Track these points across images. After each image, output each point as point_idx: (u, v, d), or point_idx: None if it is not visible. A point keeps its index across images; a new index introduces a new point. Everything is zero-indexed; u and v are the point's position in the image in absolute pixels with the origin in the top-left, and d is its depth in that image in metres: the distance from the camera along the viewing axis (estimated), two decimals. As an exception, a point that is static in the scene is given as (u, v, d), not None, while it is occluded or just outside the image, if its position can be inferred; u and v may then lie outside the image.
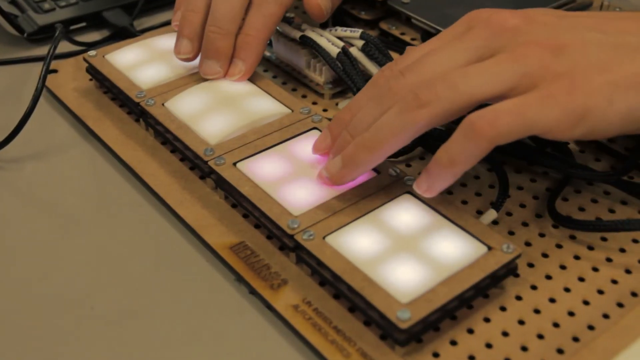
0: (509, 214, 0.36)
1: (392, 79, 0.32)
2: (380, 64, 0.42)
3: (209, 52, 0.40)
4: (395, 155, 0.38)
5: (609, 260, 0.33)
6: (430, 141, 0.39)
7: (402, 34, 0.48)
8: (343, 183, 0.33)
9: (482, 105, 0.30)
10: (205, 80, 0.40)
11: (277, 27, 0.45)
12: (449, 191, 0.37)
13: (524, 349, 0.29)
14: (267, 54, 0.46)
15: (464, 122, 0.29)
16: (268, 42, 0.41)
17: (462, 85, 0.30)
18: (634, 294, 0.32)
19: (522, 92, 0.29)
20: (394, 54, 0.46)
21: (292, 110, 0.39)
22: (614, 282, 0.32)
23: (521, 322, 0.30)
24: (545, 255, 0.33)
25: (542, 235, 0.34)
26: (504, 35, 0.31)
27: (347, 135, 0.33)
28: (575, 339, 0.30)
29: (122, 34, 0.49)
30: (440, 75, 0.31)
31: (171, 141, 0.38)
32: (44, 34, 0.49)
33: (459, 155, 0.29)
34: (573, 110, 0.29)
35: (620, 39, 0.31)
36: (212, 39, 0.40)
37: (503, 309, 0.31)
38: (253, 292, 0.32)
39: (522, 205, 0.36)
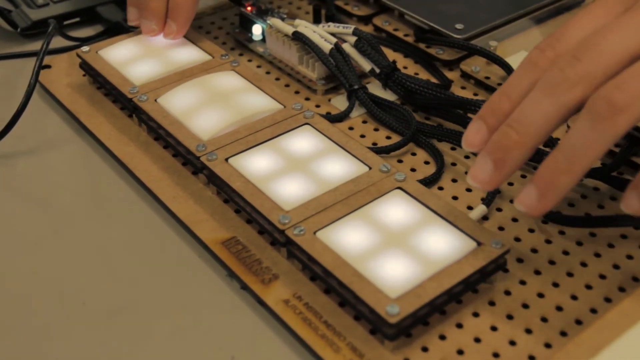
0: (499, 209, 0.36)
1: (566, 65, 0.27)
2: (373, 60, 0.42)
3: (144, 12, 0.43)
4: (387, 151, 0.39)
5: (597, 255, 0.33)
6: (421, 137, 0.39)
7: (396, 29, 0.48)
8: (544, 213, 0.28)
9: None
10: (197, 76, 0.41)
11: (269, 23, 0.45)
12: (439, 187, 0.37)
13: (512, 343, 0.30)
14: (260, 50, 0.46)
15: None
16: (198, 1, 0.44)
17: None
18: (621, 289, 0.32)
19: None
20: (386, 51, 0.47)
21: (285, 106, 0.39)
22: (602, 277, 0.32)
23: (510, 317, 0.31)
24: (534, 251, 0.34)
25: (531, 230, 0.35)
26: None
27: (511, 132, 0.28)
28: (563, 334, 0.30)
29: (116, 29, 0.49)
30: (628, 64, 0.26)
31: (164, 137, 0.39)
32: (37, 29, 0.49)
33: None
34: None
35: None
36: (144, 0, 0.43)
37: (492, 303, 0.31)
38: (244, 287, 0.32)
39: (512, 201, 0.36)
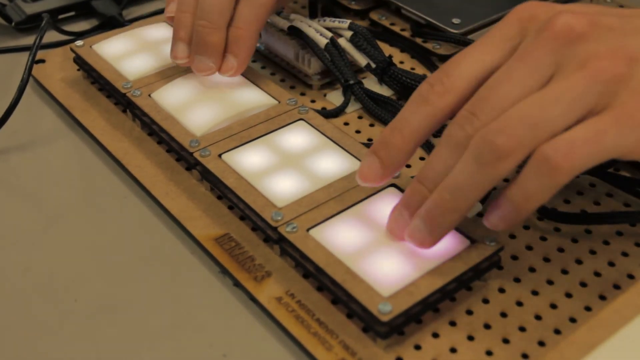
0: (494, 206, 0.35)
1: (465, 123, 0.28)
2: (369, 55, 0.42)
3: (200, 48, 0.38)
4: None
5: (592, 252, 0.33)
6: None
7: (392, 24, 0.47)
8: (432, 246, 0.30)
9: None
10: (191, 71, 0.40)
11: (266, 18, 0.44)
12: (434, 183, 0.37)
13: (506, 341, 0.30)
14: (257, 44, 0.46)
15: (536, 157, 0.26)
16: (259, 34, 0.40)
17: (542, 123, 0.27)
18: (616, 287, 0.32)
19: (599, 111, 0.27)
20: (383, 45, 0.46)
21: (279, 102, 0.39)
22: (597, 274, 0.32)
23: (503, 315, 0.31)
24: (529, 248, 0.33)
25: (526, 227, 0.34)
26: (572, 46, 0.28)
27: (421, 188, 0.29)
28: (557, 332, 0.30)
29: (111, 24, 0.49)
30: (515, 112, 0.27)
31: (157, 132, 0.38)
32: (32, 23, 0.49)
33: (535, 192, 0.27)
34: None
35: None
36: (201, 33, 0.38)
37: (486, 301, 0.31)
38: (237, 284, 0.32)
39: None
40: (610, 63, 0.27)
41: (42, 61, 0.45)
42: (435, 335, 0.30)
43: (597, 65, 0.27)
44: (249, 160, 0.35)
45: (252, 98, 0.39)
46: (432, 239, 0.29)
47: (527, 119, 0.27)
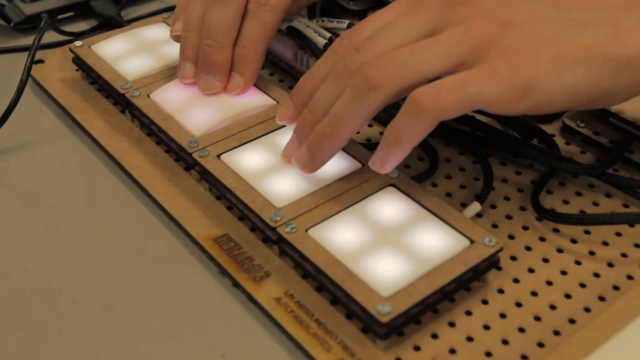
0: (493, 206, 0.36)
1: (348, 56, 0.32)
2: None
3: (205, 67, 0.38)
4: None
5: (591, 253, 0.33)
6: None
7: (391, 24, 0.47)
8: (315, 171, 0.33)
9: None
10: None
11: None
12: (433, 183, 0.37)
13: (505, 342, 0.29)
14: (262, 62, 0.46)
15: (407, 100, 0.29)
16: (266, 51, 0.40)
17: (410, 64, 0.30)
18: (615, 288, 0.32)
19: (470, 66, 0.30)
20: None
21: (278, 102, 0.39)
22: (596, 275, 0.32)
23: (503, 316, 0.31)
24: (528, 249, 0.33)
25: (525, 228, 0.34)
26: (454, 8, 0.31)
27: (307, 114, 0.33)
28: (556, 333, 0.30)
29: (110, 24, 0.49)
30: (390, 53, 0.31)
31: (156, 133, 0.38)
32: (31, 24, 0.49)
33: (405, 132, 0.30)
34: (516, 85, 0.29)
35: (569, 14, 0.30)
36: (207, 52, 0.38)
37: (485, 302, 0.31)
38: (236, 284, 0.32)
39: (507, 198, 0.36)
40: (482, 23, 0.30)
41: (41, 61, 0.45)
42: (435, 336, 0.30)
43: (470, 24, 0.30)
44: (248, 161, 0.35)
45: (251, 98, 0.39)
46: (313, 163, 0.33)
47: (398, 59, 0.30)
